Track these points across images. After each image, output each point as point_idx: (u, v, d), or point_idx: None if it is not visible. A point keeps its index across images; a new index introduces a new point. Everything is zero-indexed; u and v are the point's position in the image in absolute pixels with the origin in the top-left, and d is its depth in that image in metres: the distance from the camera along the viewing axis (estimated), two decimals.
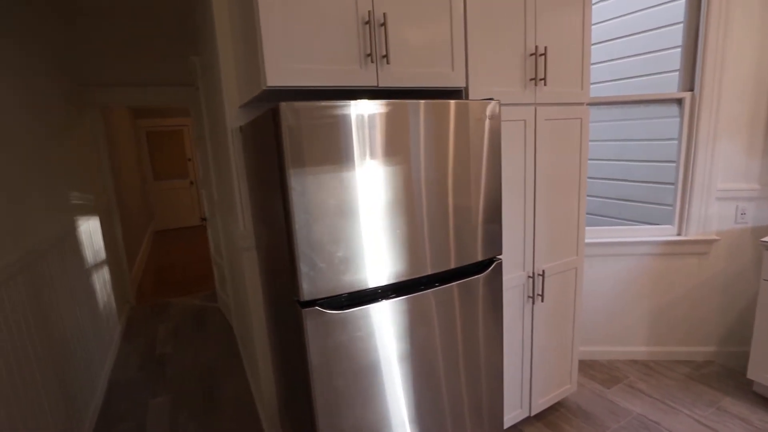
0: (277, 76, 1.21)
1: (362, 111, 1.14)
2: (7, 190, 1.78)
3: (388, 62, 1.34)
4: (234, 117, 1.74)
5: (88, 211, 3.02)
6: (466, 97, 1.56)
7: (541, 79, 1.71)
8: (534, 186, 1.80)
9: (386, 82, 1.38)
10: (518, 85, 1.68)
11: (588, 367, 2.52)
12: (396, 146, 1.21)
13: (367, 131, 1.15)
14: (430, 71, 1.46)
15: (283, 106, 1.03)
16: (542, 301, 1.90)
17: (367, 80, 1.35)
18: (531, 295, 1.88)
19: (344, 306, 1.17)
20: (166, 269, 5.28)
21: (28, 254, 1.80)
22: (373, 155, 1.17)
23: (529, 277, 1.86)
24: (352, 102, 1.12)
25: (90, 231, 2.99)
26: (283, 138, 1.04)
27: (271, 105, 1.70)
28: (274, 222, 1.28)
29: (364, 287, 1.20)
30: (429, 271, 1.32)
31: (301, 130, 1.06)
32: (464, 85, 1.54)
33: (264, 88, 1.21)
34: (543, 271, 1.87)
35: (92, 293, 2.79)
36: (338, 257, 1.15)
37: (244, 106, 1.74)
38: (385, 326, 1.24)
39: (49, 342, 1.90)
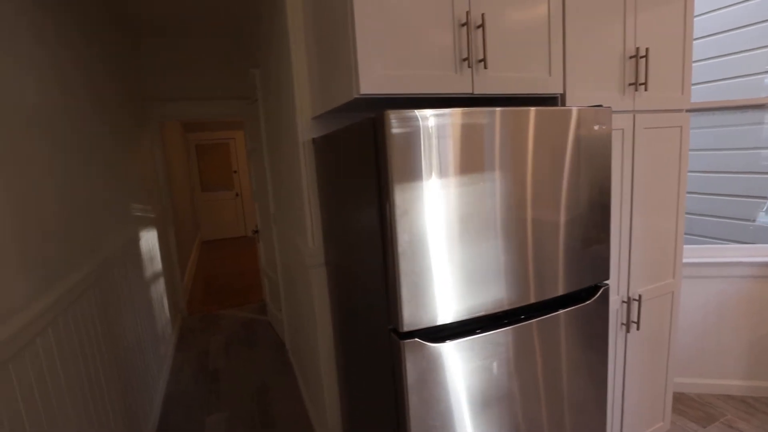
0: (370, 84, 1.12)
1: (475, 120, 1.02)
2: (91, 201, 1.78)
3: (485, 66, 1.23)
4: (306, 129, 1.67)
5: (148, 223, 3.05)
6: (563, 105, 1.42)
7: (641, 84, 1.55)
8: (631, 202, 1.62)
9: (482, 89, 1.26)
10: (616, 91, 1.52)
11: (676, 401, 2.27)
12: (506, 159, 1.08)
13: (478, 143, 1.03)
14: (527, 76, 1.33)
15: (390, 114, 0.93)
16: (638, 329, 1.70)
17: (462, 87, 1.24)
18: (625, 322, 1.69)
19: (444, 338, 1.05)
20: (214, 280, 5.33)
21: (99, 267, 1.79)
22: (482, 170, 1.05)
23: (623, 302, 1.68)
24: (464, 110, 1.01)
25: (149, 242, 3.02)
26: (387, 150, 0.94)
27: (352, 116, 1.63)
28: (363, 242, 1.18)
29: (466, 317, 1.07)
30: (532, 299, 1.17)
31: (408, 141, 0.95)
32: (561, 91, 1.40)
33: (356, 96, 1.12)
34: (639, 296, 1.68)
35: (150, 304, 2.80)
36: (442, 283, 1.03)
37: (317, 117, 1.67)
38: (486, 360, 1.10)
39: (114, 355, 1.88)
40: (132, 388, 2.09)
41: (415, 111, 0.95)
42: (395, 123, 0.93)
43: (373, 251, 1.10)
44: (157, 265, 3.24)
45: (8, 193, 1.14)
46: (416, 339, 1.01)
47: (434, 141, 0.98)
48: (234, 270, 5.74)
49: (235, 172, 7.85)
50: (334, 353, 1.82)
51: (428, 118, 0.97)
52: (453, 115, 0.99)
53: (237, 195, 7.94)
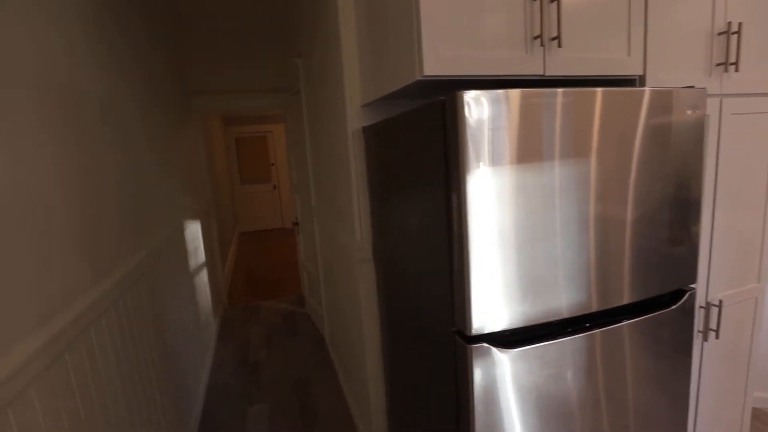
0: (435, 64, 1.03)
1: (562, 101, 0.91)
2: (144, 190, 1.79)
3: (559, 45, 1.11)
4: (355, 117, 1.60)
5: (192, 214, 3.09)
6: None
7: (731, 64, 1.38)
8: (713, 196, 1.46)
9: (554, 71, 1.14)
10: (702, 72, 1.36)
11: (755, 418, 2.07)
12: (589, 147, 0.97)
13: (560, 129, 0.92)
14: (603, 57, 1.20)
15: (463, 94, 0.83)
16: (717, 337, 1.54)
17: (532, 68, 1.12)
18: (703, 329, 1.53)
19: (512, 343, 0.95)
20: (253, 271, 5.41)
21: (149, 255, 1.80)
22: (564, 159, 0.94)
23: (701, 307, 1.52)
24: (549, 90, 0.90)
25: (193, 233, 3.06)
26: (459, 134, 0.85)
27: (402, 103, 1.54)
28: (423, 236, 1.10)
29: (540, 321, 0.97)
30: (622, 301, 1.06)
31: (482, 124, 0.86)
32: (641, 72, 1.26)
33: (419, 77, 1.03)
34: (720, 301, 1.51)
35: (195, 294, 2.83)
36: (513, 283, 0.93)
37: (366, 105, 1.59)
38: (559, 369, 1.00)
39: (162, 345, 1.89)
40: (178, 378, 2.11)
41: (493, 91, 0.85)
42: (470, 105, 0.84)
43: (436, 247, 1.02)
44: (201, 255, 3.29)
45: (79, 180, 1.13)
46: (484, 344, 0.92)
47: (511, 125, 0.88)
48: (271, 261, 5.80)
49: (272, 164, 7.95)
50: (380, 351, 1.75)
51: (506, 99, 0.87)
52: (535, 96, 0.89)
53: (274, 187, 8.04)
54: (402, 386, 1.51)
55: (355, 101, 1.59)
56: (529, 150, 0.90)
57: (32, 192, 0.97)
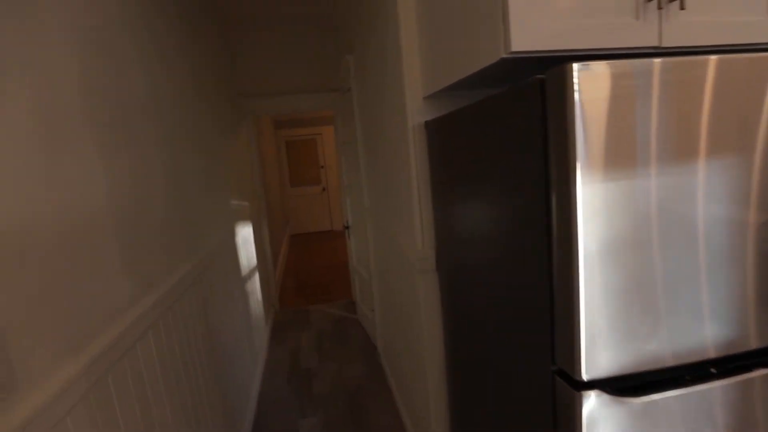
0: (524, 38, 0.83)
1: (714, 75, 0.70)
2: (196, 194, 1.74)
3: (682, 7, 0.88)
4: (416, 111, 1.43)
5: (244, 217, 3.06)
6: None
7: None
8: None
9: (673, 40, 0.91)
10: None
11: None
12: (754, 138, 0.74)
13: (710, 113, 0.70)
14: (737, 21, 0.95)
15: (572, 67, 0.64)
16: None
17: (644, 38, 0.90)
18: None
19: (637, 390, 0.74)
20: (303, 273, 5.39)
21: (200, 263, 1.73)
22: (715, 152, 0.71)
23: None
24: (696, 59, 0.69)
25: (245, 236, 3.02)
26: (566, 122, 0.65)
27: (469, 94, 1.34)
28: (509, 248, 0.90)
29: (675, 362, 0.75)
30: (755, 344, 0.81)
31: (599, 109, 0.66)
32: None
33: (504, 55, 0.84)
34: None
35: (247, 299, 2.79)
36: (640, 311, 0.72)
37: (429, 97, 1.42)
38: (705, 426, 0.77)
39: (213, 354, 1.81)
40: (229, 387, 2.04)
41: (616, 62, 0.65)
42: (582, 80, 0.64)
43: (527, 261, 0.82)
44: (253, 259, 3.26)
45: (129, 190, 1.05)
46: (599, 391, 0.71)
47: (639, 107, 0.67)
48: (321, 264, 5.77)
49: (321, 167, 7.97)
50: (443, 370, 1.57)
51: (634, 72, 0.66)
52: (678, 66, 0.68)
53: (323, 190, 8.05)
54: (471, 413, 1.32)
55: (415, 94, 1.43)
56: (663, 140, 0.69)
57: (85, 204, 0.89)
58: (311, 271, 5.45)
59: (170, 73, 1.68)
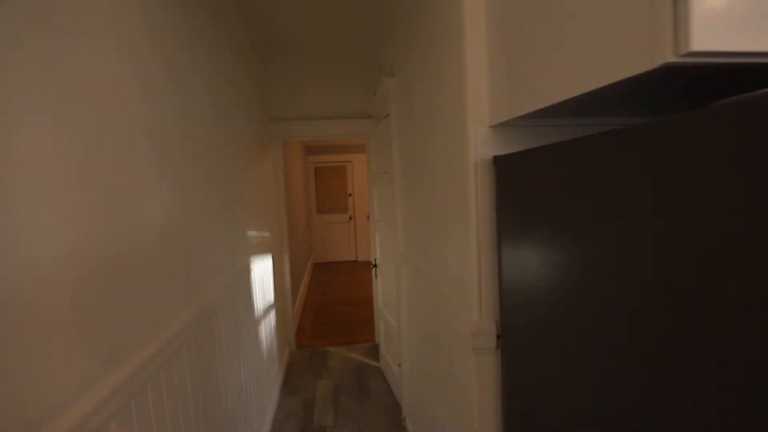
0: (707, 36, 0.51)
1: None
2: (208, 230, 1.46)
3: None
4: (479, 142, 1.11)
5: (263, 249, 2.78)
6: None
7: None
8: None
9: None
10: None
11: None
12: None
13: None
14: None
15: None
16: None
17: None
18: None
19: None
20: (323, 308, 5.05)
21: (201, 312, 1.43)
22: None
23: None
24: None
25: (262, 272, 2.73)
26: None
27: (543, 123, 1.01)
28: (652, 334, 0.55)
29: None
30: None
31: None
32: None
33: (673, 59, 0.52)
34: None
35: (258, 344, 2.47)
36: None
37: (496, 127, 1.10)
38: None
39: (210, 417, 1.48)
40: None
41: None
42: None
43: (693, 355, 0.47)
44: (270, 296, 2.96)
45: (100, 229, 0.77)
46: None
47: None
48: (344, 298, 5.42)
49: (350, 195, 7.74)
50: None
51: None
52: None
53: (350, 218, 7.80)
54: None
55: (480, 121, 1.11)
56: None
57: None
58: (333, 307, 5.11)
59: (214, 100, 1.44)
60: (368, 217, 7.88)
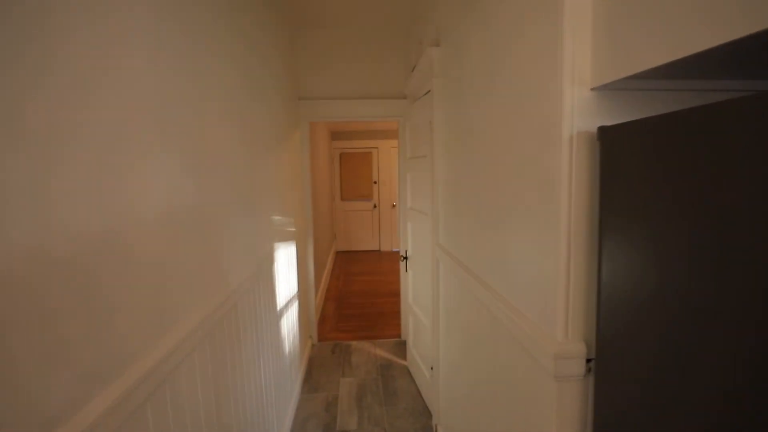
0: None
1: None
2: (231, 215, 1.25)
3: None
4: (577, 110, 0.85)
5: (287, 237, 2.58)
6: None
7: None
8: None
9: None
10: None
11: None
12: None
13: None
14: None
15: None
16: None
17: None
18: None
19: None
20: (346, 299, 4.86)
21: (218, 308, 1.23)
22: None
23: None
24: None
25: (287, 260, 2.53)
26: None
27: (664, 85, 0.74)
28: None
29: None
30: None
31: None
32: None
33: None
34: None
35: (279, 341, 2.28)
36: None
37: (604, 88, 0.83)
38: None
39: (222, 418, 1.29)
40: None
41: None
42: None
43: None
44: (293, 285, 2.76)
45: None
46: None
47: None
48: (367, 289, 5.22)
49: (375, 182, 7.50)
50: None
51: None
52: None
53: (375, 207, 7.57)
54: None
55: (580, 82, 0.85)
56: None
57: None
58: (356, 298, 4.91)
59: (246, 74, 1.22)
60: (393, 205, 7.65)
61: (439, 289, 2.19)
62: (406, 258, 3.01)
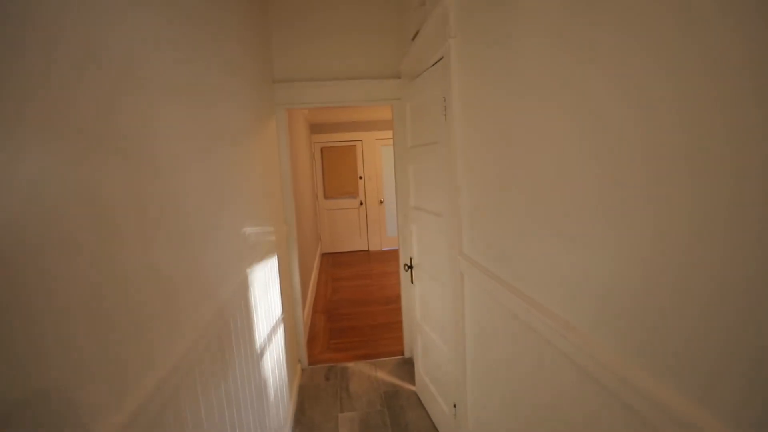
0: None
1: None
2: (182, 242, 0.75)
3: None
4: None
5: (266, 251, 2.07)
6: None
7: None
8: None
9: None
10: None
11: None
12: None
13: None
14: None
15: None
16: None
17: None
18: None
19: None
20: (337, 309, 4.36)
21: (181, 361, 0.73)
22: None
23: None
24: None
25: (266, 279, 2.02)
26: None
27: None
28: None
29: None
30: None
31: None
32: None
33: None
34: None
35: (262, 380, 1.77)
36: None
37: None
38: None
39: None
40: None
41: None
42: None
43: None
44: (276, 308, 2.25)
45: None
46: None
47: None
48: (359, 296, 4.73)
49: (360, 178, 6.99)
50: None
51: None
52: None
53: (361, 204, 7.06)
54: None
55: None
56: None
57: None
58: (348, 307, 4.42)
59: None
60: (381, 201, 7.15)
61: (464, 311, 1.72)
62: (410, 267, 2.53)
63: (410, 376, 2.89)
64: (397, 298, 4.41)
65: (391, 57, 2.84)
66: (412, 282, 2.55)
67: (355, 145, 6.91)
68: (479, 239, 1.53)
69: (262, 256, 1.94)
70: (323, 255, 6.95)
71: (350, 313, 4.22)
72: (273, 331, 2.13)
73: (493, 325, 1.43)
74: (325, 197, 6.96)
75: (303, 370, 3.09)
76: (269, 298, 2.06)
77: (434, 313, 2.21)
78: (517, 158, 1.17)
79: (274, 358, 2.08)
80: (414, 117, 2.31)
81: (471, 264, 1.58)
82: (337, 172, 6.91)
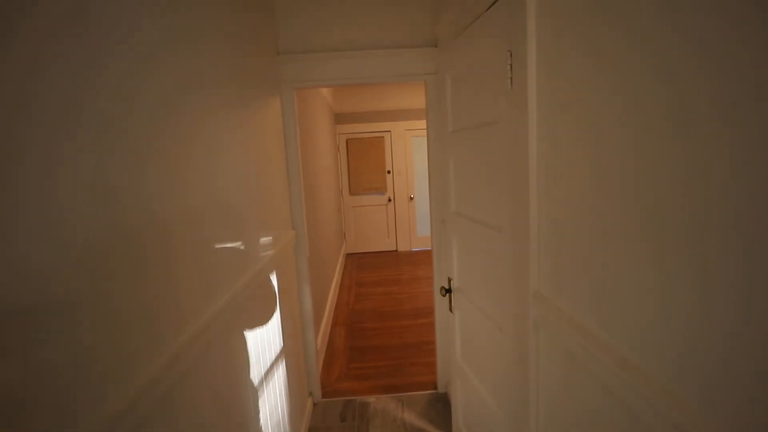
0: None
1: None
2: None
3: None
4: None
5: (264, 268, 1.53)
6: None
7: None
8: None
9: None
10: None
11: None
12: None
13: None
14: None
15: None
16: None
17: None
18: None
19: None
20: (360, 322, 3.83)
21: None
22: None
23: None
24: None
25: (261, 310, 1.49)
26: None
27: None
28: None
29: None
30: None
31: None
32: None
33: None
34: None
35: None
36: None
37: None
38: None
39: None
40: None
41: None
42: None
43: None
44: (275, 346, 1.72)
45: None
46: None
47: None
48: (386, 307, 4.18)
49: (388, 172, 6.42)
50: None
51: None
52: None
53: (389, 200, 6.50)
54: None
55: None
56: None
57: None
58: (373, 321, 3.87)
59: None
60: (411, 198, 6.57)
61: (538, 380, 1.13)
62: (449, 291, 1.94)
63: (445, 421, 2.32)
64: (430, 311, 3.84)
65: (424, 18, 2.25)
66: (450, 311, 1.97)
67: (383, 137, 6.33)
68: (567, 273, 0.93)
69: (257, 275, 1.40)
70: (347, 256, 6.44)
71: (375, 329, 3.67)
72: (269, 373, 1.61)
73: (581, 408, 0.85)
74: (351, 193, 6.44)
75: (315, 404, 2.57)
76: (266, 326, 1.53)
77: (483, 360, 1.62)
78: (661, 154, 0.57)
79: (272, 401, 1.55)
80: (457, 91, 1.70)
81: (551, 311, 0.99)
82: (364, 166, 6.37)
